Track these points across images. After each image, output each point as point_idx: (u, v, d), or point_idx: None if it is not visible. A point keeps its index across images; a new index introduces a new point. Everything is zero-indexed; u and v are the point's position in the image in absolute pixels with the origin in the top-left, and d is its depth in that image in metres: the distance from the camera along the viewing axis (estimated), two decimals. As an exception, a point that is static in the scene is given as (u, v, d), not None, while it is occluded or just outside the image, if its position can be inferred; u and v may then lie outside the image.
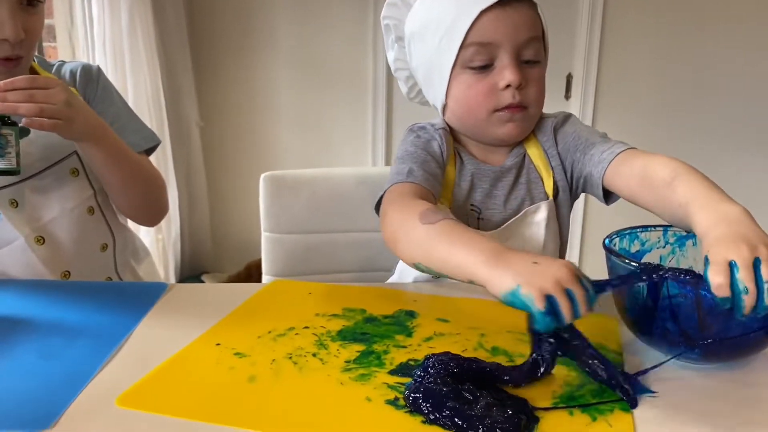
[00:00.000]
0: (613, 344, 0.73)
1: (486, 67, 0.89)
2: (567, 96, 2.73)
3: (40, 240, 1.02)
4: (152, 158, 1.19)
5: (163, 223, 2.50)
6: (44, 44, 2.28)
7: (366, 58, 2.71)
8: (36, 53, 1.12)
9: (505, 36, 0.87)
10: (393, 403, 0.60)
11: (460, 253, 0.66)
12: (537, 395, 0.61)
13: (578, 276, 0.59)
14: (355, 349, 0.71)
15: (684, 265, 0.76)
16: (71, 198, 1.06)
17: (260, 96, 2.79)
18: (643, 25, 2.63)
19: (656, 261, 0.76)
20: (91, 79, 1.12)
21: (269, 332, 0.75)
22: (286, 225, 1.26)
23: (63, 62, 1.14)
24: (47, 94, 0.88)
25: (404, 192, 0.84)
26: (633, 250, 0.78)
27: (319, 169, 1.30)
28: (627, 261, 0.66)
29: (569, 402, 0.60)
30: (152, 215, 1.16)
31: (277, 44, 2.73)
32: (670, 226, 0.75)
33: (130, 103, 2.23)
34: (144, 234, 2.31)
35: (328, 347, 0.72)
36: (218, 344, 0.72)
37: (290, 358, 0.69)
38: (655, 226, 0.78)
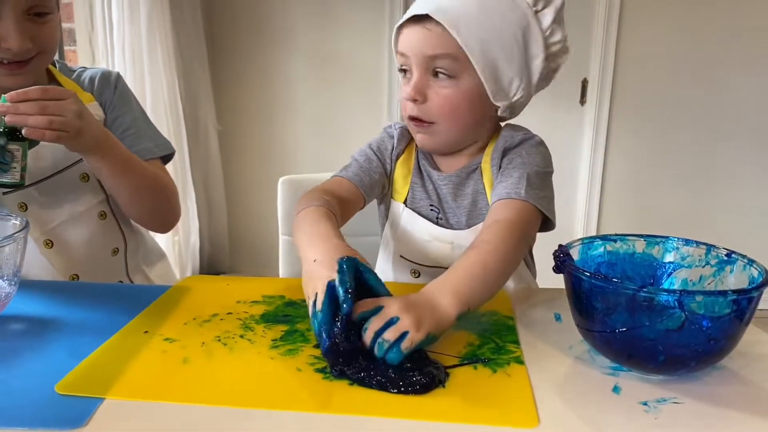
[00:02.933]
0: (504, 310, 0.83)
1: (407, 72, 0.95)
2: (582, 101, 2.72)
3: (49, 243, 1.04)
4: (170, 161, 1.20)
5: (180, 225, 2.52)
6: (64, 48, 2.31)
7: (382, 61, 2.73)
8: (57, 58, 1.14)
9: (411, 50, 0.92)
10: (322, 371, 0.66)
11: (300, 247, 0.80)
12: (446, 357, 0.69)
13: (339, 274, 0.68)
14: (279, 329, 0.76)
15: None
16: (81, 202, 1.07)
17: (277, 99, 2.81)
18: (659, 30, 2.63)
19: (696, 279, 0.75)
20: (108, 84, 1.13)
21: (194, 319, 0.79)
22: (304, 228, 1.27)
23: (84, 68, 1.15)
24: (59, 106, 0.88)
25: (328, 184, 0.99)
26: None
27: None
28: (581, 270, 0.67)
29: (472, 359, 0.69)
30: (163, 223, 1.16)
31: (293, 47, 2.75)
32: (714, 246, 0.74)
33: (148, 107, 2.28)
34: (161, 236, 2.33)
35: (254, 329, 0.76)
36: (146, 332, 0.75)
37: (219, 340, 0.73)
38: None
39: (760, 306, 0.65)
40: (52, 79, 1.09)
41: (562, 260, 0.70)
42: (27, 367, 0.67)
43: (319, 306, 0.68)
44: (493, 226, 0.84)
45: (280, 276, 1.33)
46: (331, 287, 0.68)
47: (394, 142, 1.05)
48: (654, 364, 0.64)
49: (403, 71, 0.96)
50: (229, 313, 0.81)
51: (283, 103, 2.82)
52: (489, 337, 0.75)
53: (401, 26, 0.94)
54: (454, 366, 0.68)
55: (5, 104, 0.86)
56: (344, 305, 0.66)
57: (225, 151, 2.84)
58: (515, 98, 0.95)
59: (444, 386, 0.64)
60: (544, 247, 1.05)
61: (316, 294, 0.69)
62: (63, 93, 0.90)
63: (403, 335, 0.65)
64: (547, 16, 0.92)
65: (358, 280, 0.69)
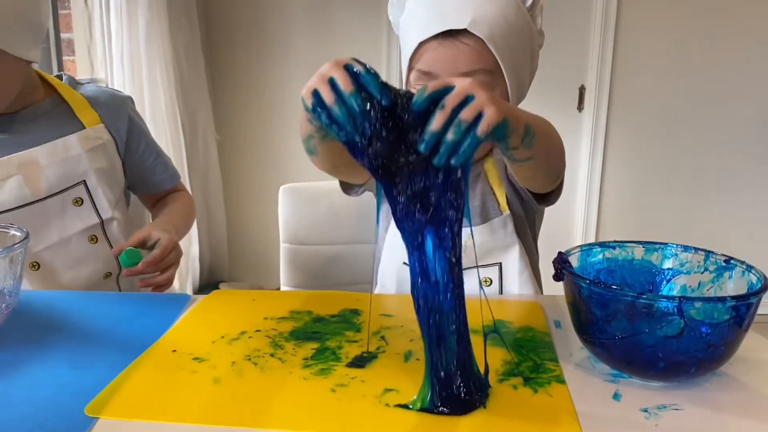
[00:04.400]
0: (540, 326, 0.80)
1: None
2: (580, 108, 2.73)
3: (35, 265, 1.04)
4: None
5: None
6: (63, 58, 2.32)
7: (380, 69, 2.72)
8: (65, 72, 1.15)
9: (443, 68, 0.88)
10: (355, 381, 0.65)
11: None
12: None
13: (347, 63, 0.59)
14: (310, 347, 0.74)
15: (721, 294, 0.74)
16: (70, 226, 1.07)
17: (276, 107, 2.82)
18: (656, 36, 2.64)
19: (695, 285, 0.75)
20: (122, 110, 1.15)
21: (222, 337, 0.77)
22: (304, 236, 1.28)
23: (92, 83, 1.17)
24: (175, 258, 1.01)
25: None
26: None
27: (336, 181, 1.31)
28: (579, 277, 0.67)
29: (510, 378, 0.67)
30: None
31: (292, 55, 2.76)
32: (712, 252, 0.74)
33: (147, 117, 2.28)
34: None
35: (284, 347, 0.74)
36: (174, 351, 0.73)
37: (249, 359, 0.71)
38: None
39: (760, 311, 0.65)
40: (53, 91, 1.10)
41: (561, 267, 0.70)
42: (27, 378, 0.67)
43: (346, 85, 0.58)
44: None
45: (281, 285, 1.33)
46: (352, 72, 0.59)
47: None
48: (654, 371, 0.64)
49: None
50: (257, 331, 0.79)
51: (282, 112, 2.82)
52: (526, 354, 0.73)
53: (423, 42, 0.89)
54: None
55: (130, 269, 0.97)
56: (382, 95, 0.58)
57: (224, 161, 2.84)
58: (522, 100, 0.97)
59: (485, 407, 0.61)
60: (543, 254, 1.05)
61: (331, 81, 0.59)
62: (171, 246, 1.01)
63: (478, 118, 0.56)
64: (538, 17, 0.93)
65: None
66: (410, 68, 0.93)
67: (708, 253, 0.74)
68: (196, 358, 0.71)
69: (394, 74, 2.70)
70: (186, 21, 2.53)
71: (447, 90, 0.57)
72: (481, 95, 0.57)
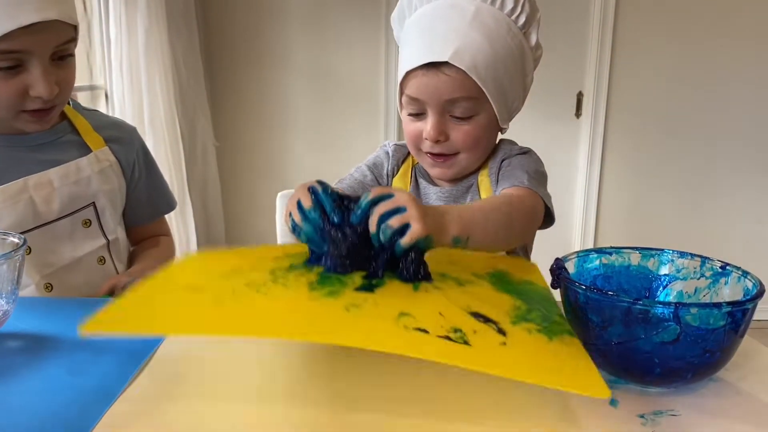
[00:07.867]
0: (538, 281, 0.79)
1: (420, 114, 0.96)
2: (578, 114, 2.74)
3: (49, 287, 1.04)
4: (167, 177, 1.28)
5: (178, 242, 2.52)
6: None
7: (378, 76, 2.74)
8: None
9: (428, 96, 0.92)
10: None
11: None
12: (496, 315, 0.64)
13: (311, 185, 0.70)
14: (315, 273, 0.68)
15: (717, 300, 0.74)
16: (80, 247, 1.08)
17: (275, 115, 2.83)
18: (654, 43, 2.65)
19: (691, 291, 0.76)
20: (131, 144, 1.17)
21: (216, 273, 0.70)
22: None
23: (97, 111, 1.20)
24: None
25: None
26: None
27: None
28: (577, 284, 0.67)
29: (522, 323, 0.65)
30: None
31: (290, 63, 2.77)
32: (709, 258, 0.75)
33: (146, 124, 2.28)
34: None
35: (287, 277, 0.67)
36: (166, 283, 0.70)
37: (250, 287, 0.65)
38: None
39: (756, 317, 0.66)
40: (64, 117, 1.11)
41: (557, 273, 0.70)
42: (25, 384, 0.67)
43: (308, 204, 0.68)
44: (501, 196, 0.89)
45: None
46: (313, 191, 0.69)
47: (390, 160, 1.08)
48: (650, 377, 0.65)
49: (413, 114, 0.96)
50: (253, 269, 0.70)
51: (281, 119, 2.83)
52: (534, 304, 0.69)
53: (411, 71, 0.93)
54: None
55: None
56: (334, 213, 0.68)
57: (223, 167, 2.84)
58: (516, 114, 1.00)
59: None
60: (541, 260, 1.06)
61: (298, 203, 0.69)
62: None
63: (406, 228, 0.64)
64: (533, 34, 0.95)
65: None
66: (401, 91, 0.97)
67: (704, 259, 0.75)
68: (191, 288, 0.66)
69: (392, 80, 2.71)
70: (185, 28, 2.53)
71: (384, 197, 0.66)
72: (411, 210, 0.65)
